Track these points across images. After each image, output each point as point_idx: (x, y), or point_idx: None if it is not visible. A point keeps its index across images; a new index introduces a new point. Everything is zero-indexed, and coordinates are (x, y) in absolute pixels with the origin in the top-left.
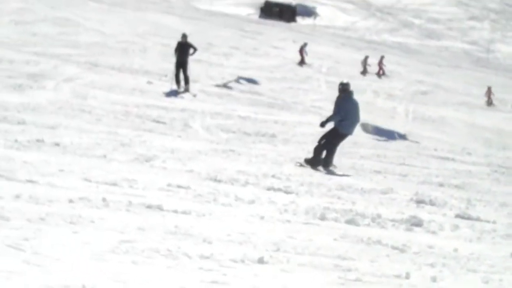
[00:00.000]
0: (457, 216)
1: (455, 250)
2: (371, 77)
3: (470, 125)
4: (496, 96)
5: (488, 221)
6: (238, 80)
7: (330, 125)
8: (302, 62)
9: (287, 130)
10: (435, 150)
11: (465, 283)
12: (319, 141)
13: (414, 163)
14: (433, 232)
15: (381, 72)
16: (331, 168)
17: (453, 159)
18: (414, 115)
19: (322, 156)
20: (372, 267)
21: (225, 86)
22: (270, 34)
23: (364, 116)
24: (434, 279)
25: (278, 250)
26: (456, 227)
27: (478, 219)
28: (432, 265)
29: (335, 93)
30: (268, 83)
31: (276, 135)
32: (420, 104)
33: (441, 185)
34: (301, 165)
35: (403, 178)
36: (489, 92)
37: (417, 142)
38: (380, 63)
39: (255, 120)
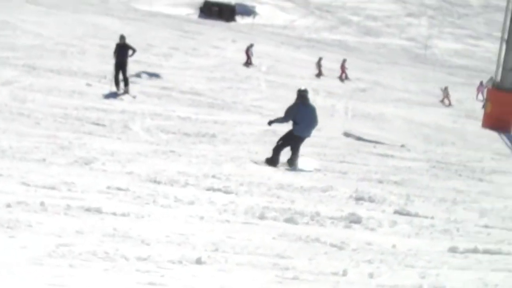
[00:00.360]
0: (396, 212)
1: (393, 246)
2: (329, 80)
3: (409, 121)
4: (452, 96)
5: (426, 217)
6: (139, 74)
7: (288, 127)
8: (248, 63)
9: (227, 130)
10: (374, 147)
11: (402, 278)
12: (277, 142)
13: (354, 160)
14: (372, 229)
15: (343, 76)
16: (296, 166)
17: (392, 156)
18: (353, 112)
19: (280, 156)
20: (310, 265)
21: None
22: (210, 34)
23: None
24: (371, 275)
25: (216, 250)
26: (394, 223)
27: (416, 214)
28: (370, 262)
29: (275, 92)
30: (172, 76)
31: (216, 135)
32: (359, 101)
33: (380, 181)
34: (255, 162)
35: (343, 175)
36: (446, 92)
37: (402, 145)
38: (343, 67)
39: (195, 120)
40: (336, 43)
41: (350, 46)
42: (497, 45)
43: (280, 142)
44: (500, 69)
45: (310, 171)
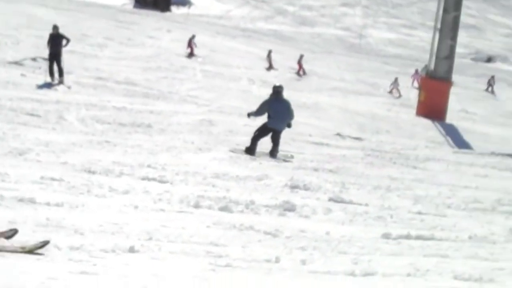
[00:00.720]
0: (330, 199)
1: (327, 233)
2: (276, 72)
3: (344, 110)
4: (401, 86)
5: (360, 204)
6: (35, 58)
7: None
8: (191, 54)
9: (163, 120)
10: (310, 135)
11: (335, 264)
12: (254, 133)
13: (289, 149)
14: (306, 216)
15: (301, 72)
16: (276, 157)
17: (327, 144)
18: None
19: (257, 145)
20: (243, 253)
21: (17, 63)
22: (145, 24)
23: (240, 103)
24: (303, 262)
25: (150, 239)
26: (329, 210)
27: (351, 202)
28: (303, 249)
29: (211, 82)
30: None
31: (152, 125)
32: (295, 90)
33: (315, 170)
34: (234, 151)
35: (278, 164)
36: (396, 83)
37: (338, 134)
38: (300, 62)
39: (130, 110)
40: (272, 33)
41: (285, 36)
42: (430, 34)
43: (256, 133)
44: (434, 57)
45: (290, 160)
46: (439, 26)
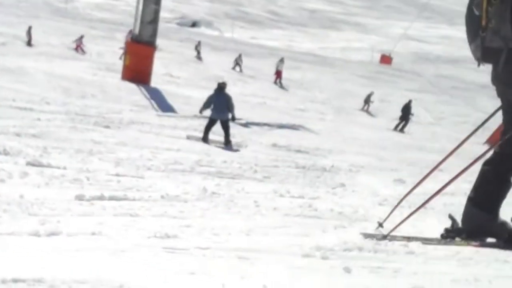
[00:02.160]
0: (28, 163)
1: (21, 196)
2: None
3: (49, 74)
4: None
5: (59, 167)
6: None
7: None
8: None
9: None
10: (14, 100)
11: (22, 226)
12: (206, 125)
13: None
14: (2, 181)
15: (80, 50)
16: (230, 144)
17: (31, 109)
18: None
19: (209, 134)
20: None
21: None
22: None
23: None
24: None
25: None
26: (25, 174)
27: (49, 165)
28: None
29: None
30: None
31: None
32: None
33: (18, 135)
34: (188, 138)
35: None
36: (199, 47)
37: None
38: (80, 42)
39: None
40: None
41: None
42: None
43: (206, 124)
44: (139, 22)
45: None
46: None
